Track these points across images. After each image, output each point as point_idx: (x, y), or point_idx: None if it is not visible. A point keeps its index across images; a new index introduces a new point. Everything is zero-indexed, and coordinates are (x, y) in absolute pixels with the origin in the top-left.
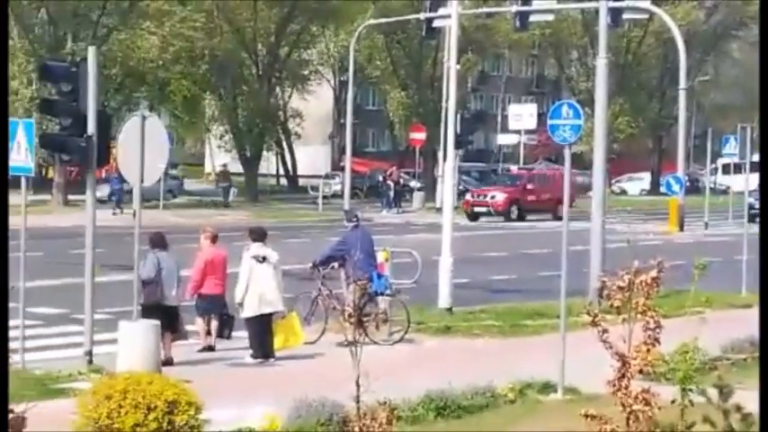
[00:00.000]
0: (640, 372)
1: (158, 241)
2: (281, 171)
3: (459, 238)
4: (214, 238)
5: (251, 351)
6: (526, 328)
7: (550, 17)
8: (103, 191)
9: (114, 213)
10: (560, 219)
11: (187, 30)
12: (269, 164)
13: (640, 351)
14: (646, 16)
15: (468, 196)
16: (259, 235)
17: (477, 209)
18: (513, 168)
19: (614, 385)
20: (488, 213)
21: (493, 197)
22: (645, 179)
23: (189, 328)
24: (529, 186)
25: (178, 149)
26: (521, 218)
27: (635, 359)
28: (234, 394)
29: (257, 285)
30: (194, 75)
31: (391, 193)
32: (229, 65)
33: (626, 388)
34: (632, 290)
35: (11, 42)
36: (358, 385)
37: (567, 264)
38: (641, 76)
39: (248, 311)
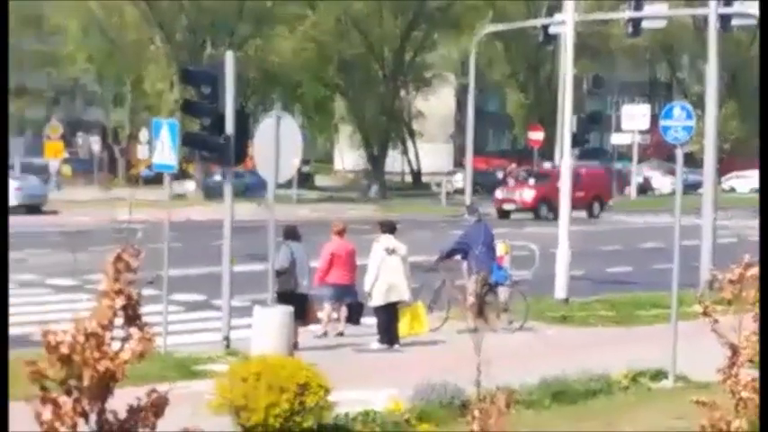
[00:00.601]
0: (750, 361)
1: (292, 233)
2: (406, 168)
3: (574, 232)
4: (341, 232)
5: (378, 337)
6: (639, 319)
7: (662, 23)
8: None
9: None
10: (593, 216)
11: (318, 35)
12: (394, 161)
13: (750, 341)
14: (754, 22)
15: (497, 194)
16: (389, 228)
17: (506, 206)
18: (547, 166)
19: (724, 373)
20: (517, 210)
21: (521, 194)
22: (753, 177)
23: (318, 315)
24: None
25: (309, 147)
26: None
27: (745, 348)
28: (360, 378)
29: (386, 275)
30: (325, 77)
31: None
32: (357, 68)
33: (735, 376)
34: (743, 282)
35: (154, 48)
36: (479, 370)
37: (679, 257)
38: (751, 79)
39: (377, 300)
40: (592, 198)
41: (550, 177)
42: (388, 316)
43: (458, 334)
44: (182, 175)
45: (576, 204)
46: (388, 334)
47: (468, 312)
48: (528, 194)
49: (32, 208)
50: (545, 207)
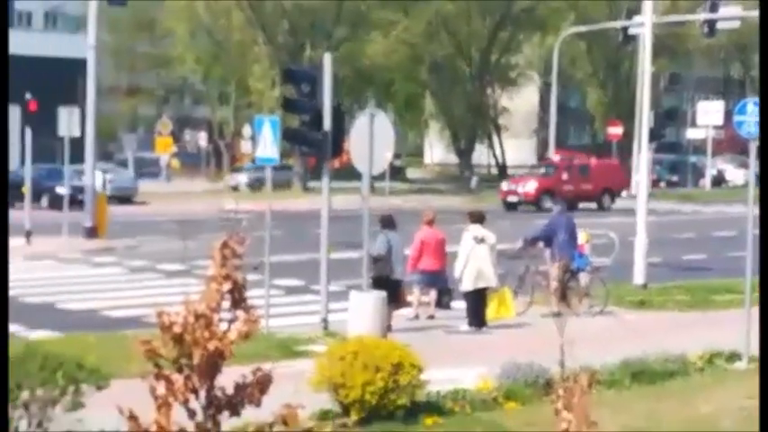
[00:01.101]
0: None
1: (388, 222)
2: (492, 162)
3: (652, 222)
4: (431, 221)
5: (467, 320)
6: (714, 303)
7: (736, 24)
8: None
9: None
10: (603, 208)
11: (409, 38)
12: (480, 155)
13: None
14: None
15: (503, 186)
16: (478, 218)
17: (510, 198)
18: (555, 158)
19: None
20: (520, 203)
21: (524, 187)
22: None
23: (408, 299)
24: (564, 176)
25: (401, 142)
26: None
27: None
28: (450, 358)
29: (475, 262)
30: (416, 77)
31: None
32: (446, 68)
33: None
34: None
35: (257, 49)
36: (562, 351)
37: (752, 245)
38: None
39: (466, 285)
40: (601, 190)
41: (554, 169)
42: (477, 300)
43: (542, 318)
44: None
45: (584, 196)
46: (477, 317)
47: (552, 297)
48: (530, 186)
49: (123, 199)
50: (547, 199)
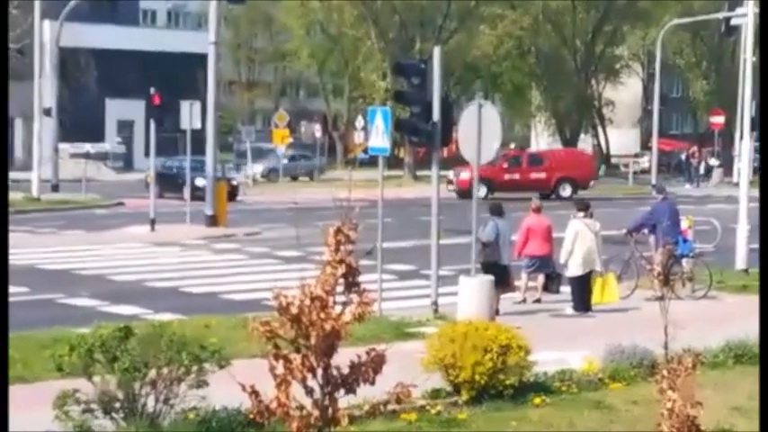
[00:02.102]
0: None
1: (497, 209)
2: (596, 151)
3: (754, 208)
4: (538, 209)
5: (572, 304)
6: None
7: None
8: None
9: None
10: (549, 197)
11: (516, 31)
12: (585, 144)
13: None
14: None
15: (450, 174)
16: (584, 206)
17: (449, 187)
18: (512, 148)
19: None
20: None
21: (458, 175)
22: None
23: (516, 284)
24: (505, 166)
25: (508, 132)
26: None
27: None
28: (556, 340)
29: (581, 248)
30: (522, 69)
31: (693, 170)
32: (552, 60)
33: None
34: None
35: (369, 44)
36: (666, 334)
37: None
38: None
39: (572, 270)
40: (557, 180)
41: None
42: (582, 285)
43: (645, 301)
44: (394, 159)
45: (535, 185)
46: (583, 301)
47: (656, 281)
48: (464, 175)
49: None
50: (485, 188)
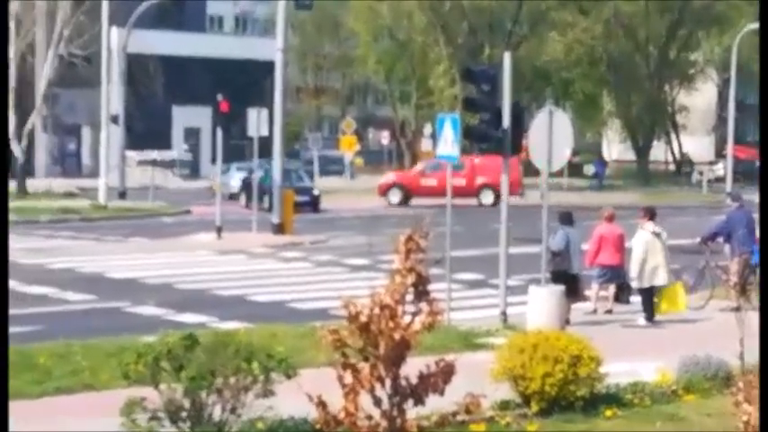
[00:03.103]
0: None
1: (567, 218)
2: (670, 158)
3: None
4: (610, 217)
5: (644, 314)
6: None
7: None
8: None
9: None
10: (483, 204)
11: (587, 37)
12: (658, 151)
13: None
14: None
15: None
16: (652, 214)
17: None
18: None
19: None
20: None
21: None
22: None
23: (587, 293)
24: (427, 172)
25: (579, 139)
26: (404, 202)
27: None
28: (628, 351)
29: (651, 258)
30: (593, 75)
31: None
32: (624, 66)
33: None
34: None
35: (438, 50)
36: (742, 345)
37: None
38: None
39: (642, 281)
40: (479, 187)
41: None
42: (652, 295)
43: (719, 312)
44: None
45: (454, 192)
46: (653, 312)
47: (732, 291)
48: (384, 179)
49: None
50: (397, 192)
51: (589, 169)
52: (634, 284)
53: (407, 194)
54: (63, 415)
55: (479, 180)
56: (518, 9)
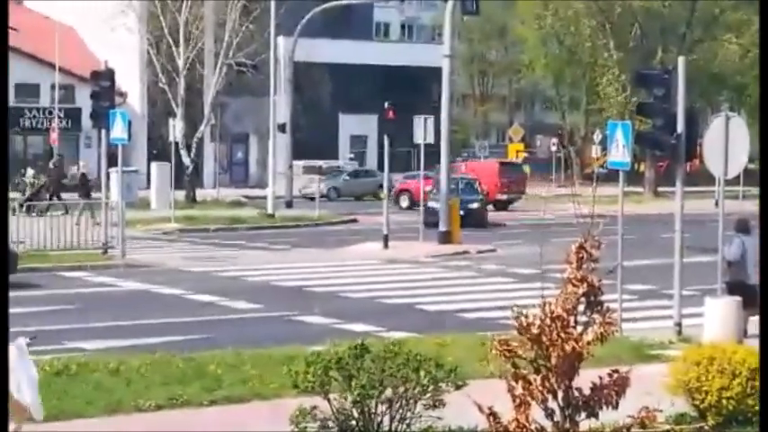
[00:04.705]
0: None
1: (743, 226)
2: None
3: None
4: None
5: None
6: None
7: None
8: None
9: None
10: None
11: None
12: None
13: None
14: None
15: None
16: None
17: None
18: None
19: None
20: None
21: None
22: None
23: None
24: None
25: (756, 146)
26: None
27: None
28: None
29: None
30: None
31: None
32: None
33: None
34: None
35: (607, 55)
36: None
37: None
38: None
39: None
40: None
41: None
42: None
43: None
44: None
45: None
46: None
47: None
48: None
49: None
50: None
51: None
52: None
53: (413, 201)
54: (233, 423)
55: None
56: (691, 11)
